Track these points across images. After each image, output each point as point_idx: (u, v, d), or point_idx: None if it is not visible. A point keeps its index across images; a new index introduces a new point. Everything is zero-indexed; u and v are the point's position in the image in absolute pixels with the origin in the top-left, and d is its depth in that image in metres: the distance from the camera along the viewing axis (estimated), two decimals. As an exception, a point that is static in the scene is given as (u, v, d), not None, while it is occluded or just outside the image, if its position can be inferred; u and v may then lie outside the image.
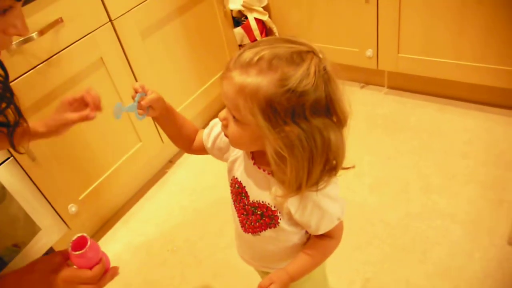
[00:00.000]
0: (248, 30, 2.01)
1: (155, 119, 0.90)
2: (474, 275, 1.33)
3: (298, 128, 0.66)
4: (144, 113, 0.85)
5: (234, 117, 0.70)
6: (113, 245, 1.70)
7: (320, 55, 0.67)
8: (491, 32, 1.61)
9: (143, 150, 1.75)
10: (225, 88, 0.69)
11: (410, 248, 1.44)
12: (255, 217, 0.86)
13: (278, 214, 0.82)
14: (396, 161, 1.75)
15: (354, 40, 1.93)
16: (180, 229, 1.70)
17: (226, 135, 0.76)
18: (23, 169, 1.35)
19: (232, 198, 0.92)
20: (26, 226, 1.40)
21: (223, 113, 0.74)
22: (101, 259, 0.81)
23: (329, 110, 0.68)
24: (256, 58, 0.65)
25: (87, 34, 1.43)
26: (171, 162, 1.99)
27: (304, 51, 0.66)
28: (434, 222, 1.51)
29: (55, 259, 0.77)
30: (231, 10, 1.95)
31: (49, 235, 1.47)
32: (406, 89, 2.07)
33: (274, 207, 0.82)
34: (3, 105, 0.79)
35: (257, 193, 0.83)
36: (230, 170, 0.90)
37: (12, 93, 0.81)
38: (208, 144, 0.92)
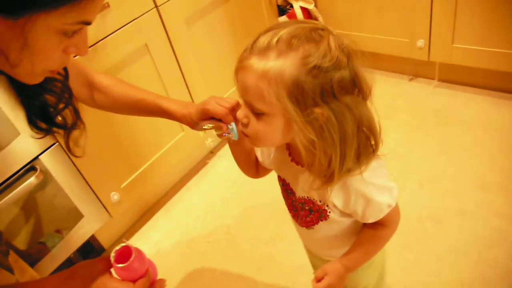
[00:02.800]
0: (293, 19, 1.95)
1: (230, 145, 0.89)
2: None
3: (328, 108, 0.63)
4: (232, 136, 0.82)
5: (255, 112, 0.66)
6: (154, 234, 1.68)
7: (334, 32, 0.65)
8: None
9: (185, 140, 1.73)
10: (242, 80, 0.65)
11: (464, 249, 1.36)
12: (304, 213, 0.83)
13: (326, 208, 0.78)
14: (448, 157, 1.66)
15: (404, 29, 1.84)
16: (221, 221, 1.67)
17: (246, 135, 0.71)
18: (68, 155, 1.35)
19: (282, 194, 0.90)
20: (69, 213, 1.40)
21: (242, 111, 0.69)
22: (147, 271, 0.74)
23: (354, 85, 0.65)
24: (274, 40, 0.62)
25: (133, 20, 1.41)
26: (212, 152, 1.97)
27: (320, 28, 0.64)
28: (491, 223, 1.41)
29: (97, 266, 0.72)
30: (276, -1, 1.90)
31: (91, 223, 1.47)
32: (458, 82, 1.96)
33: (320, 201, 0.78)
34: (61, 105, 0.78)
35: (301, 189, 0.80)
36: (275, 168, 0.88)
37: (71, 94, 0.80)
38: (260, 158, 0.89)
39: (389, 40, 1.91)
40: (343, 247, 0.85)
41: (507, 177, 1.53)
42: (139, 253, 0.73)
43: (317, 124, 0.63)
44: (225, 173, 1.87)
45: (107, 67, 1.38)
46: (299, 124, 0.63)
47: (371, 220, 0.78)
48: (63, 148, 1.33)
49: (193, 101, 1.68)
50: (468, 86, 1.92)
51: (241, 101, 0.72)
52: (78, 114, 0.83)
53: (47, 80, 0.71)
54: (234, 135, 0.79)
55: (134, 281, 0.72)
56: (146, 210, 1.79)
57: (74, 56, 0.78)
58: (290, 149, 0.80)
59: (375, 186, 0.75)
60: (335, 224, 0.81)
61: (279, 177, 0.87)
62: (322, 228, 0.83)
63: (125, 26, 1.39)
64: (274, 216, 1.60)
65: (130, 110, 0.99)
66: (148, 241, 1.67)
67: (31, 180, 1.24)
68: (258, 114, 0.66)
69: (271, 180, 0.97)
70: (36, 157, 1.28)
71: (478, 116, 1.78)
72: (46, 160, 1.30)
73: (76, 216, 1.42)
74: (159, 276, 0.78)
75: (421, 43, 1.81)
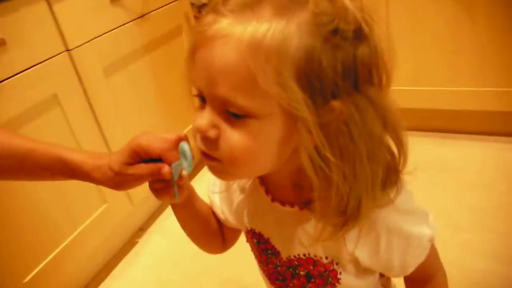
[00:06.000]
0: None
1: (177, 208, 0.59)
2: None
3: (348, 102, 0.41)
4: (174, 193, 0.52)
5: (232, 115, 0.42)
6: None
7: None
8: (487, 54, 1.51)
9: (108, 215, 1.39)
10: (208, 61, 0.41)
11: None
12: (298, 282, 0.56)
13: (336, 267, 0.53)
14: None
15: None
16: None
17: (213, 158, 0.45)
18: None
19: (256, 258, 0.62)
20: None
21: (204, 118, 0.43)
22: None
23: (378, 71, 0.44)
24: None
25: (38, 64, 1.14)
26: (141, 229, 1.62)
27: None
28: (475, 265, 1.25)
29: None
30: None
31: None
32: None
33: (327, 257, 0.52)
34: None
35: (291, 245, 0.54)
36: (239, 220, 0.61)
37: None
38: (222, 217, 0.63)
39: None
40: None
41: (476, 213, 1.41)
42: None
43: (333, 128, 0.41)
44: (161, 252, 1.52)
45: (2, 121, 1.07)
46: (313, 129, 0.40)
47: (412, 268, 0.53)
48: None
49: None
50: (409, 131, 1.87)
51: (195, 103, 0.46)
52: None
53: None
54: (187, 166, 0.50)
55: None
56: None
57: None
58: (266, 183, 0.54)
59: (410, 213, 0.52)
60: None
61: (250, 233, 0.59)
62: None
63: (27, 71, 1.11)
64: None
65: (13, 169, 0.62)
66: None
67: None
68: (238, 118, 0.42)
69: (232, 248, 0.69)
70: None
71: (427, 158, 1.70)
72: None
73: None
74: None
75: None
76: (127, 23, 1.39)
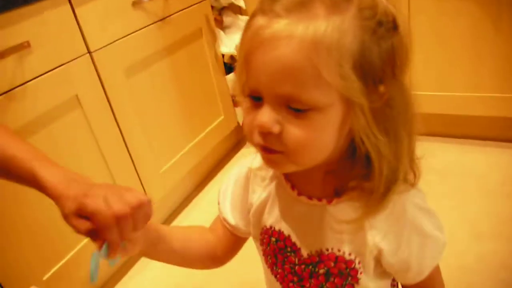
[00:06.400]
0: None
1: (143, 254, 0.60)
2: None
3: (392, 87, 0.46)
4: (115, 256, 0.51)
5: (294, 110, 0.45)
6: None
7: None
8: (509, 60, 1.47)
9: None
10: (268, 62, 0.43)
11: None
12: (316, 281, 0.56)
13: (357, 266, 0.53)
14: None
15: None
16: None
17: (274, 151, 0.47)
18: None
19: (266, 263, 0.61)
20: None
21: (266, 115, 0.45)
22: None
23: (402, 59, 0.48)
24: None
25: (60, 65, 1.16)
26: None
27: None
28: (495, 275, 1.21)
29: None
30: (223, 55, 1.75)
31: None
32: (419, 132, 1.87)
33: (350, 254, 0.53)
34: None
35: (314, 240, 0.54)
36: (256, 222, 0.61)
37: None
38: (233, 222, 0.64)
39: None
40: None
41: (501, 222, 1.37)
42: None
43: (380, 111, 0.46)
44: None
45: (25, 121, 1.09)
46: (367, 113, 0.45)
47: (427, 271, 0.55)
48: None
49: (134, 164, 1.39)
50: (431, 136, 1.83)
51: (241, 98, 0.49)
52: None
53: None
54: (93, 276, 0.50)
55: None
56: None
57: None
58: (293, 178, 0.56)
59: (428, 214, 0.54)
60: None
61: (268, 232, 0.59)
62: None
63: (50, 72, 1.14)
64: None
65: None
66: None
67: None
68: (301, 112, 0.44)
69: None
70: None
71: (449, 164, 1.67)
72: None
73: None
74: None
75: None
76: (148, 25, 1.41)
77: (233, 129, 1.86)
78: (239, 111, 1.85)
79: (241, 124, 1.85)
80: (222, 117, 1.79)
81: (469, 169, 1.63)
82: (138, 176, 1.42)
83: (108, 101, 1.30)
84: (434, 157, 1.69)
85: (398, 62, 0.46)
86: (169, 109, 1.54)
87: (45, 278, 1.18)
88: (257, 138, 0.47)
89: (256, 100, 0.46)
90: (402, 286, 0.62)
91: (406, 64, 0.47)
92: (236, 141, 1.99)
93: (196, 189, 1.76)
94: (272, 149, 0.47)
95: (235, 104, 1.84)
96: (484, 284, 1.19)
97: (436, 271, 0.58)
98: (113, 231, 0.48)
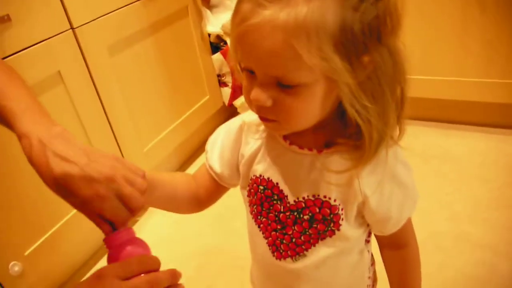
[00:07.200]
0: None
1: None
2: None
3: (377, 54, 0.47)
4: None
5: (284, 87, 0.49)
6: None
7: None
8: (494, 45, 1.48)
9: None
10: (257, 45, 0.47)
11: (452, 288, 1.17)
12: (299, 228, 0.59)
13: (340, 212, 0.57)
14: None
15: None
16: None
17: (269, 120, 0.53)
18: None
19: (252, 213, 0.64)
20: None
21: (257, 92, 0.50)
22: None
23: (391, 18, 0.49)
24: None
25: (42, 41, 1.15)
26: (142, 208, 1.65)
27: None
28: (470, 256, 1.25)
29: None
30: (209, 34, 1.74)
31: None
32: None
33: (335, 200, 0.56)
34: None
35: (301, 187, 0.58)
36: (246, 172, 0.64)
37: None
38: (219, 170, 0.66)
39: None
40: None
41: (476, 206, 1.41)
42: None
43: (365, 78, 0.48)
44: (161, 231, 1.55)
45: (7, 97, 1.08)
46: (352, 85, 0.47)
47: (403, 221, 0.60)
48: None
49: (117, 143, 1.39)
50: (413, 119, 1.86)
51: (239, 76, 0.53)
52: None
53: None
54: None
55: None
56: (58, 285, 1.39)
57: None
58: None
59: (407, 167, 0.58)
60: (339, 246, 0.59)
61: (253, 181, 0.62)
62: (317, 256, 0.59)
63: (32, 47, 1.12)
64: (223, 278, 1.31)
65: None
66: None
67: None
68: (290, 88, 0.48)
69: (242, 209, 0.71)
70: None
71: (431, 148, 1.70)
72: None
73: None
74: None
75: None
76: (133, 2, 1.39)
77: (218, 108, 1.86)
78: (225, 91, 1.85)
79: (227, 104, 1.85)
80: (208, 96, 1.79)
81: (449, 152, 1.66)
82: (122, 154, 1.42)
83: (92, 78, 1.29)
84: (415, 140, 1.72)
85: (383, 29, 0.47)
86: (153, 87, 1.54)
87: (26, 253, 1.19)
88: (255, 110, 0.53)
89: (252, 73, 0.50)
90: (377, 238, 0.66)
91: (394, 29, 0.49)
92: (221, 121, 1.97)
93: (180, 168, 1.77)
94: (267, 118, 0.52)
95: (221, 84, 1.84)
96: (460, 263, 1.23)
97: (409, 222, 0.62)
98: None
